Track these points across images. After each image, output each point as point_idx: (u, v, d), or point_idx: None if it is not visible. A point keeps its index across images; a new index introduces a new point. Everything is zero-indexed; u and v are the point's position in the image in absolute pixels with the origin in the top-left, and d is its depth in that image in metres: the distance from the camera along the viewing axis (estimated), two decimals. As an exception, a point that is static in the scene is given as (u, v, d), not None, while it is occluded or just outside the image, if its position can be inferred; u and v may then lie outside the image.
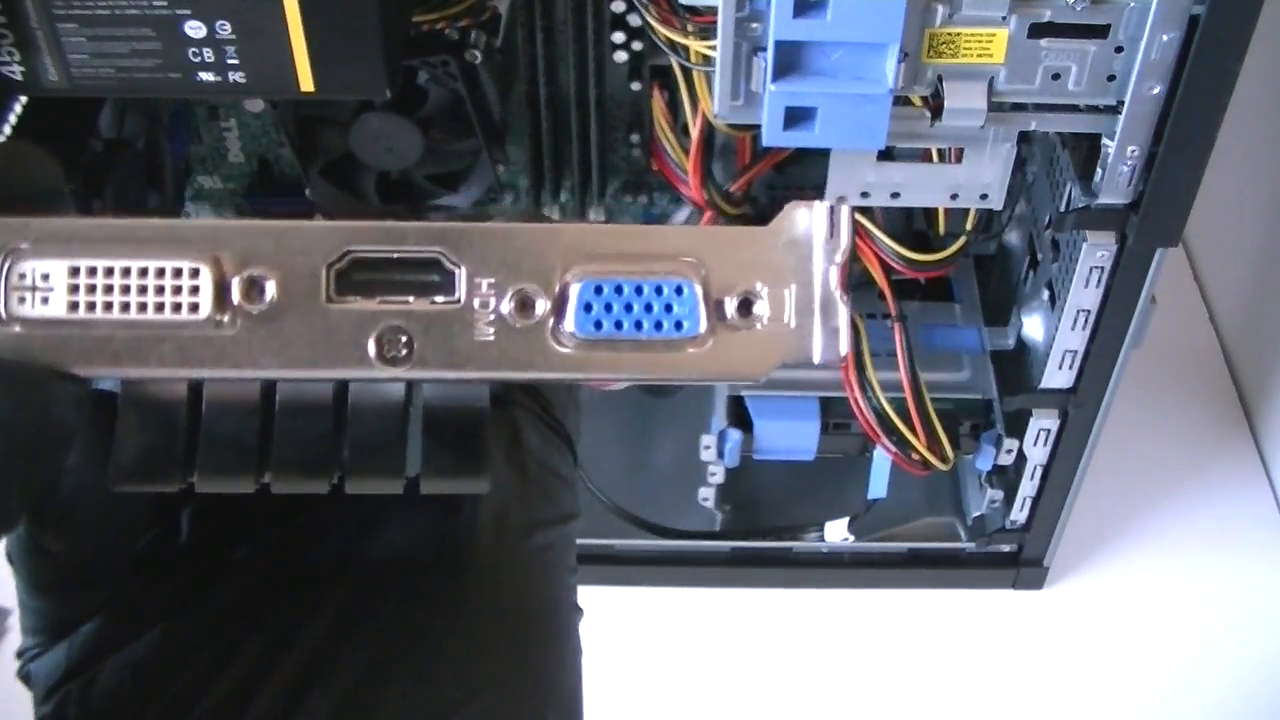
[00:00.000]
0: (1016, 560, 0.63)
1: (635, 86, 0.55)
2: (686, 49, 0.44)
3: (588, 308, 0.21)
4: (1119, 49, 0.41)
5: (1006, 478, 0.59)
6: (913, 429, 0.54)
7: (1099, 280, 0.48)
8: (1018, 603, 0.64)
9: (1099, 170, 0.45)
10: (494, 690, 0.24)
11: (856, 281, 0.53)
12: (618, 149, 0.58)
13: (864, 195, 0.47)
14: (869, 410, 0.54)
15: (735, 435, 0.57)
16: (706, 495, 0.61)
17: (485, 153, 0.53)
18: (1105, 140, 0.44)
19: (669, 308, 0.22)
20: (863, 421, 0.54)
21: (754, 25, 0.40)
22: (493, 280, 0.21)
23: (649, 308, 0.22)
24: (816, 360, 0.22)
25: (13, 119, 0.45)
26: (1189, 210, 0.45)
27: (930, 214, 0.53)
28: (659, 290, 0.22)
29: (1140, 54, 0.41)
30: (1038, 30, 0.41)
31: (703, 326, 0.22)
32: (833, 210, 0.22)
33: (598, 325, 0.21)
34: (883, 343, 0.53)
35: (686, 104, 0.49)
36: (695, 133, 0.49)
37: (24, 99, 0.43)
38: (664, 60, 0.47)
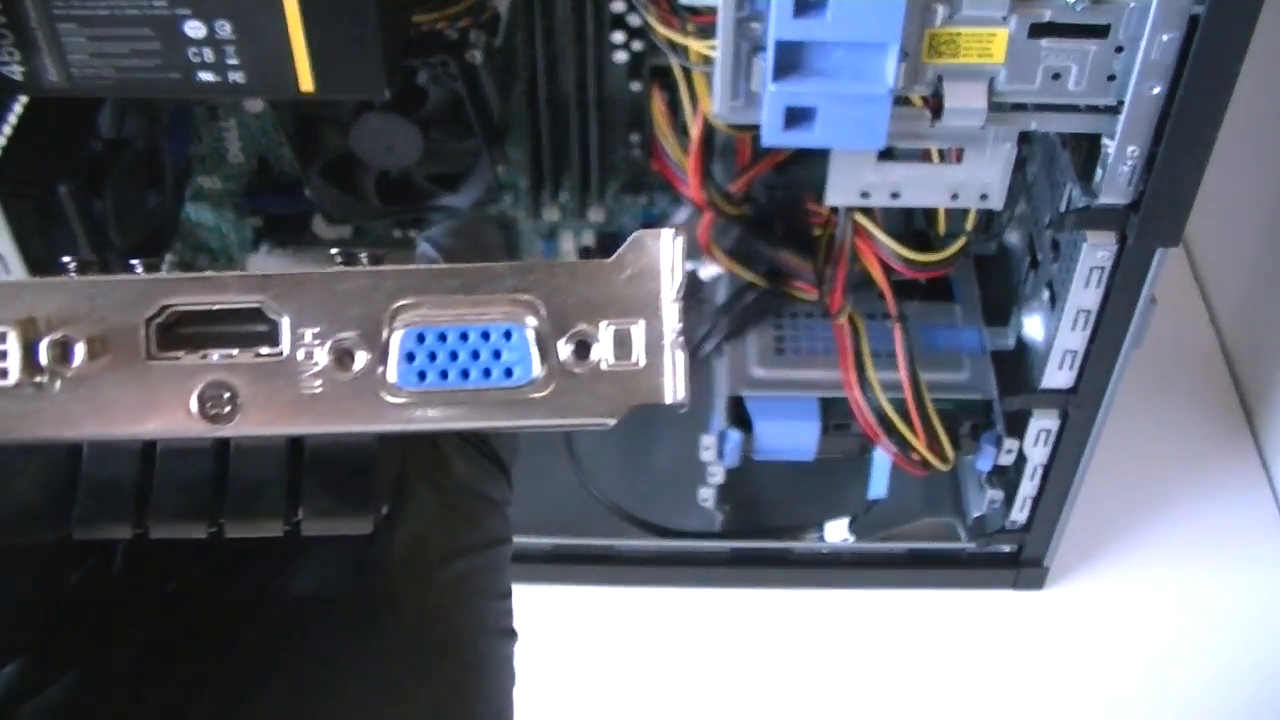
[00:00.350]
0: (1016, 560, 0.63)
1: (635, 86, 0.55)
2: (686, 49, 0.44)
3: (410, 357, 0.20)
4: (1119, 49, 0.41)
5: (1007, 478, 0.59)
6: (913, 429, 0.54)
7: (1099, 280, 0.48)
8: (1018, 603, 0.64)
9: (1099, 170, 0.45)
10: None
11: (856, 281, 0.53)
12: (618, 149, 0.58)
13: (864, 195, 0.47)
14: (869, 410, 0.54)
15: (735, 435, 0.57)
16: (706, 495, 0.61)
17: (485, 153, 0.53)
18: (1105, 140, 0.44)
19: (497, 354, 0.20)
20: (863, 422, 0.54)
21: (754, 25, 0.40)
22: (317, 330, 0.20)
23: (475, 355, 0.20)
24: (668, 401, 0.21)
25: (13, 119, 0.45)
26: (1189, 210, 0.45)
27: (930, 214, 0.53)
28: (485, 336, 0.20)
29: (1140, 54, 0.41)
30: (1038, 30, 0.41)
31: (537, 371, 0.20)
32: (676, 239, 0.21)
33: (421, 376, 0.20)
34: (883, 343, 0.54)
35: (686, 104, 0.49)
36: (695, 133, 0.49)
37: (24, 99, 0.44)
38: (664, 60, 0.47)
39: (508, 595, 0.26)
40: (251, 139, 0.59)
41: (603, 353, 0.20)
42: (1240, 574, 0.65)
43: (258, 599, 0.24)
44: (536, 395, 0.20)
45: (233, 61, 0.40)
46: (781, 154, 0.53)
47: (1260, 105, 0.68)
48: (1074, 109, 0.43)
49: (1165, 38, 0.40)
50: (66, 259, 0.21)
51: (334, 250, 0.22)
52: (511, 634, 0.26)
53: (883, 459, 0.58)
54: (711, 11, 0.40)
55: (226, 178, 0.60)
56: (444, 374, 0.20)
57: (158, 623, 0.24)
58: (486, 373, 0.20)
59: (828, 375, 0.56)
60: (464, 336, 0.20)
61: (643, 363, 0.21)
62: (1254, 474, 0.70)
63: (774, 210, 0.56)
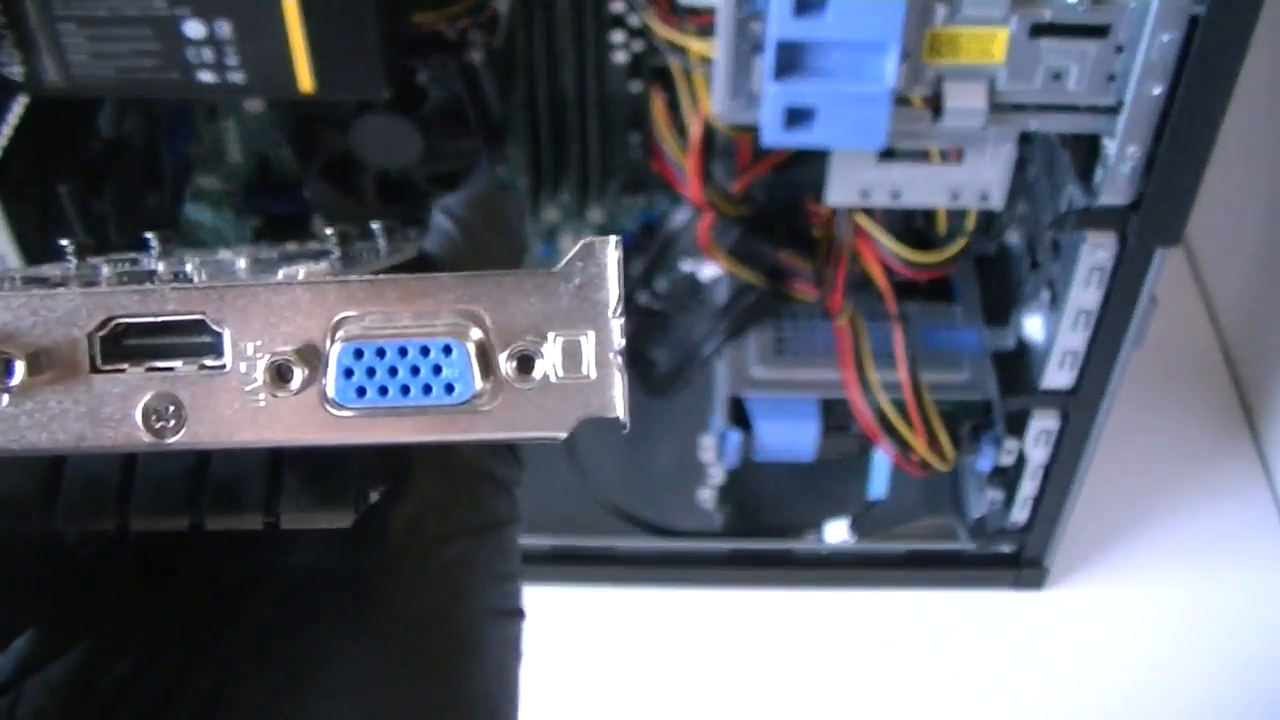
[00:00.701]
0: (1017, 560, 0.63)
1: (635, 86, 0.55)
2: (686, 49, 0.44)
3: (348, 373, 0.20)
4: (1119, 49, 0.41)
5: (1007, 478, 0.59)
6: (913, 429, 0.54)
7: (1099, 280, 0.48)
8: (1018, 603, 0.64)
9: (1099, 170, 0.45)
10: (397, 709, 0.23)
11: (856, 282, 0.53)
12: (618, 149, 0.59)
13: (864, 195, 0.47)
14: (869, 411, 0.54)
15: (735, 436, 0.57)
16: (706, 496, 0.61)
17: (485, 153, 0.53)
18: (1105, 140, 0.44)
19: (437, 369, 0.20)
20: (863, 422, 0.54)
21: (754, 25, 0.40)
22: (259, 343, 0.20)
23: (415, 370, 0.20)
24: (620, 415, 0.20)
25: (13, 119, 0.45)
26: (1189, 210, 0.45)
27: (930, 214, 0.53)
28: (425, 351, 0.20)
29: (1140, 54, 0.41)
30: (1038, 30, 0.41)
31: (478, 387, 0.20)
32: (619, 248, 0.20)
33: (360, 392, 0.20)
34: (883, 343, 0.54)
35: (686, 104, 0.49)
36: (695, 133, 0.49)
37: (24, 99, 0.44)
38: (664, 60, 0.47)
39: (513, 575, 0.26)
40: (251, 139, 0.59)
41: (551, 365, 0.20)
42: (1240, 574, 0.65)
43: (259, 577, 0.25)
44: (483, 409, 0.20)
45: (233, 61, 0.40)
46: (781, 154, 0.53)
47: (1260, 105, 0.68)
48: (1074, 109, 0.43)
49: (1165, 38, 0.40)
50: (65, 242, 0.22)
51: (329, 230, 0.21)
52: (517, 614, 0.26)
53: (883, 459, 0.58)
54: (711, 11, 0.40)
55: (226, 178, 0.60)
56: (383, 390, 0.20)
57: (163, 598, 0.24)
58: (427, 389, 0.20)
59: (828, 375, 0.56)
60: (403, 352, 0.20)
61: (593, 375, 0.20)
62: (1254, 474, 0.70)
63: (774, 210, 0.56)
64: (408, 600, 0.24)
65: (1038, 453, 0.56)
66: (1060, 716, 0.60)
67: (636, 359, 0.64)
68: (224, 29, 0.39)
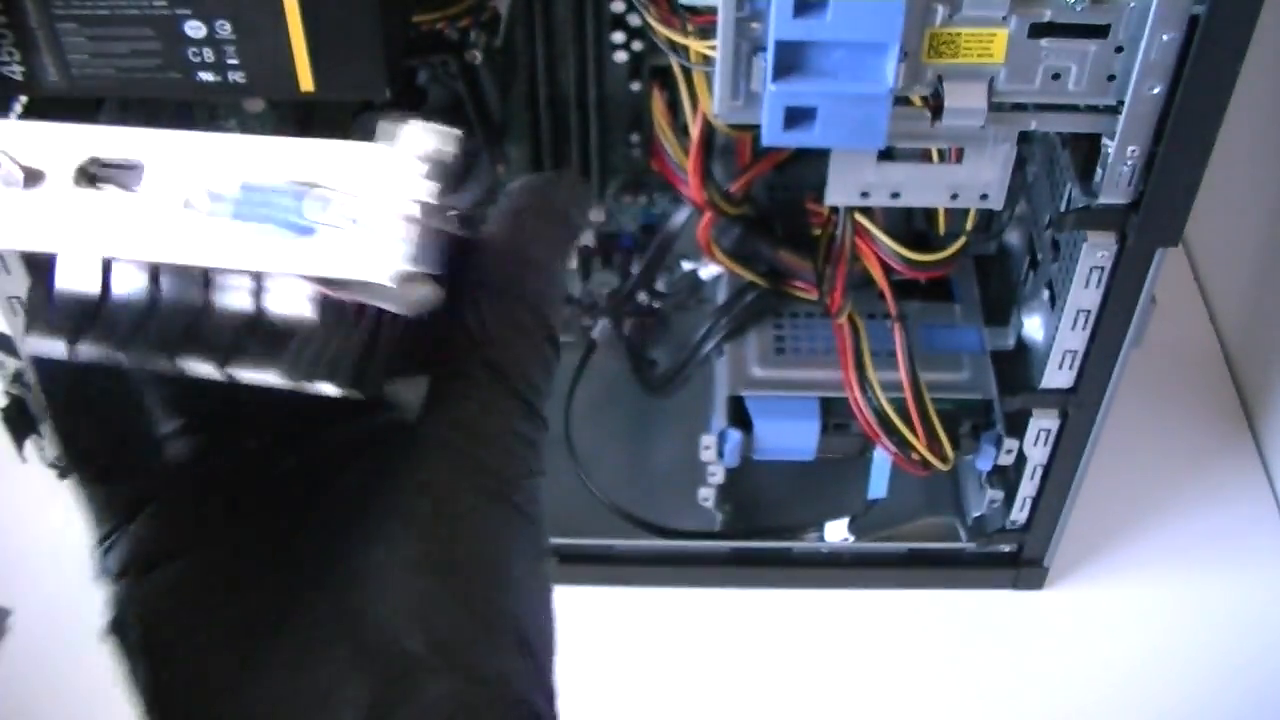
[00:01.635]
0: (1016, 560, 0.63)
1: (635, 86, 0.55)
2: (686, 49, 0.44)
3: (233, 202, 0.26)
4: (1119, 49, 0.41)
5: (1006, 478, 0.59)
6: (913, 429, 0.54)
7: (1099, 280, 0.48)
8: (1018, 603, 0.64)
9: (1099, 170, 0.45)
10: (446, 593, 0.25)
11: (857, 282, 0.53)
12: (618, 149, 0.59)
13: (864, 195, 0.47)
14: (869, 410, 0.54)
15: (735, 435, 0.57)
16: (706, 495, 0.61)
17: (485, 153, 0.53)
18: (1105, 140, 0.44)
19: (293, 209, 0.25)
20: (863, 422, 0.54)
21: (754, 25, 0.40)
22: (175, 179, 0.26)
23: (275, 205, 0.25)
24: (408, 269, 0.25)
25: (13, 119, 0.45)
26: (1189, 210, 0.45)
27: (930, 214, 0.53)
28: (282, 194, 0.25)
29: (1140, 54, 0.41)
30: (1038, 30, 0.41)
31: (317, 226, 0.25)
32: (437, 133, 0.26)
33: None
34: (883, 343, 0.54)
35: (686, 104, 0.49)
36: (695, 133, 0.49)
37: (24, 99, 0.43)
38: (664, 60, 0.47)
39: (540, 520, 0.28)
40: (251, 139, 0.59)
41: (368, 218, 0.25)
42: (1240, 574, 0.65)
43: (317, 493, 0.28)
44: (320, 246, 0.25)
45: (233, 61, 0.40)
46: (781, 154, 0.53)
47: (1260, 105, 0.68)
48: (1074, 109, 0.43)
49: (1165, 38, 0.40)
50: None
51: None
52: (549, 554, 0.28)
53: (883, 459, 0.58)
54: (711, 11, 0.40)
55: (226, 178, 0.60)
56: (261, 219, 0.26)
57: (266, 513, 0.28)
58: (287, 225, 0.25)
59: (828, 375, 0.56)
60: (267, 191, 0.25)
61: (397, 232, 0.25)
62: (1254, 474, 0.70)
63: (774, 210, 0.56)
64: (456, 528, 0.26)
65: (1037, 452, 0.56)
66: (1060, 716, 0.60)
67: (637, 358, 0.64)
68: (224, 29, 0.39)
